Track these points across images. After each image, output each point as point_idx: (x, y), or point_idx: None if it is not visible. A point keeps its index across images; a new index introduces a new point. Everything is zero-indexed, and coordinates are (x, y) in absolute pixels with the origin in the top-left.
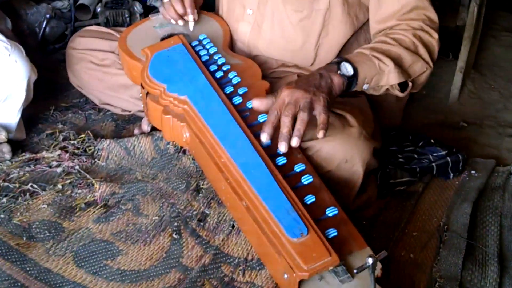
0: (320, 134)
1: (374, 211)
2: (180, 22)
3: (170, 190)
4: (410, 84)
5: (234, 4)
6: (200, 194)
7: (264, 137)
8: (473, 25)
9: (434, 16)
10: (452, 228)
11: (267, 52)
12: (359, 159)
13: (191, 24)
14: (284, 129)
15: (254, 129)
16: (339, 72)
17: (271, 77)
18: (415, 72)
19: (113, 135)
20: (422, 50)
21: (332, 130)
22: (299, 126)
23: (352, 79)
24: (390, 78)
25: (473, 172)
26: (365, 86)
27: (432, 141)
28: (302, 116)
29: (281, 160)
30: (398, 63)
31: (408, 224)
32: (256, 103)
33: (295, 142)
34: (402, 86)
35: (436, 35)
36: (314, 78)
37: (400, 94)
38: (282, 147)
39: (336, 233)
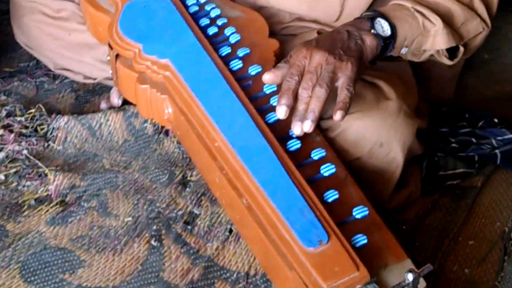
0: (337, 115)
1: (417, 212)
2: None
3: (148, 183)
4: (461, 48)
5: None
6: (187, 189)
7: (282, 112)
8: None
9: None
10: None
11: (278, 3)
12: (397, 143)
13: None
14: (302, 105)
15: (258, 103)
16: (372, 31)
17: (281, 34)
18: (468, 33)
19: (72, 110)
20: (479, 4)
21: (362, 104)
22: (314, 105)
23: (388, 41)
24: (436, 41)
25: None
26: (403, 50)
27: (495, 120)
28: (319, 93)
29: (294, 145)
30: (447, 21)
31: (462, 229)
32: (268, 77)
33: (308, 126)
34: (451, 51)
35: None
36: (340, 37)
37: (448, 62)
38: (297, 129)
39: (366, 241)
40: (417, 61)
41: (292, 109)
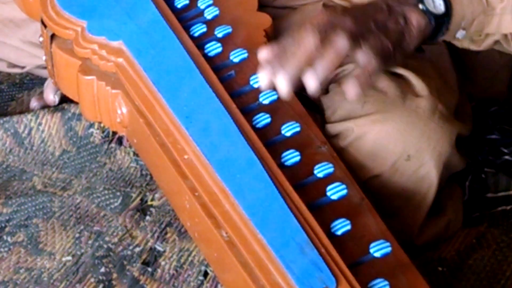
0: (349, 88)
1: (458, 249)
2: None
3: (94, 210)
4: None
5: None
6: (148, 217)
7: (263, 77)
8: None
9: None
10: None
11: None
12: (430, 155)
13: None
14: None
15: (242, 100)
16: (420, 6)
17: (274, 7)
18: None
19: None
20: None
21: (383, 102)
22: (328, 57)
23: (441, 20)
24: (504, 22)
25: None
26: (459, 34)
27: None
28: (339, 43)
29: (291, 157)
30: None
31: None
32: (265, 53)
33: (312, 83)
34: None
35: None
36: (376, 11)
37: None
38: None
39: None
40: (476, 49)
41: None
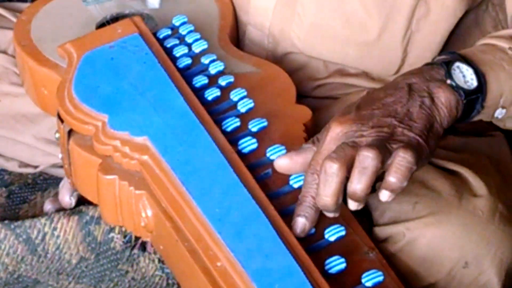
0: (383, 195)
1: None
2: None
3: None
4: None
5: None
6: None
7: (299, 226)
8: None
9: None
10: None
11: (309, 48)
12: (491, 261)
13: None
14: (326, 188)
15: (280, 201)
16: (449, 81)
17: (315, 97)
18: None
19: (3, 214)
20: None
21: (436, 203)
22: (356, 182)
23: (475, 96)
24: None
25: None
26: (498, 113)
27: None
28: (364, 160)
29: (337, 264)
30: None
31: None
32: (281, 163)
33: (353, 207)
34: None
35: None
36: (396, 97)
37: None
38: (299, 226)
39: None
40: None
41: None
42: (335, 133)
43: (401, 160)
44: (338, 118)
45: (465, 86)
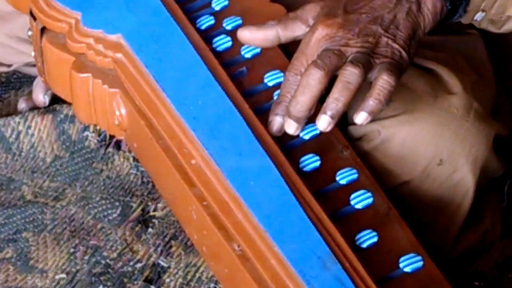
0: (360, 117)
1: (496, 261)
2: None
3: (91, 222)
4: None
5: None
6: (150, 230)
7: (275, 125)
8: None
9: None
10: None
11: None
12: (466, 158)
13: None
14: (305, 93)
15: (255, 99)
16: None
17: None
18: None
19: None
20: None
21: (411, 101)
22: (339, 94)
23: (459, 2)
24: None
25: None
26: (478, 16)
27: None
28: (350, 77)
29: (311, 162)
30: None
31: None
32: (241, 34)
33: (324, 123)
34: None
35: None
36: (383, 1)
37: None
38: (291, 128)
39: None
40: (496, 31)
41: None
42: (321, 36)
43: (384, 83)
44: (324, 20)
45: None
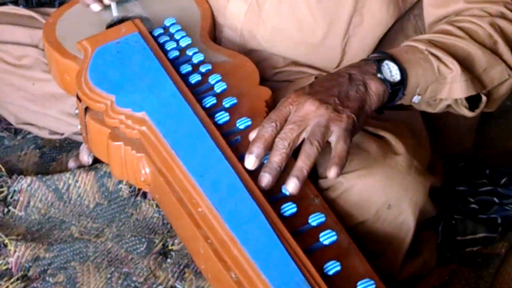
0: (331, 172)
1: (433, 285)
2: (95, 7)
3: (123, 254)
4: (484, 98)
5: None
6: (169, 260)
7: (250, 162)
8: None
9: None
10: None
11: (270, 45)
12: (408, 204)
13: (113, 7)
14: (275, 156)
15: None
16: (379, 75)
17: (274, 80)
18: (492, 81)
19: (36, 170)
20: (504, 48)
21: (366, 159)
22: (303, 163)
23: (397, 87)
24: (454, 89)
25: None
26: (415, 99)
27: None
28: (309, 150)
29: (289, 209)
30: (467, 66)
31: None
32: (251, 136)
33: (292, 186)
34: (472, 101)
35: None
36: (339, 82)
37: (469, 114)
38: (265, 180)
39: None
40: (432, 111)
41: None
42: (291, 99)
43: (342, 151)
44: (296, 90)
45: (391, 79)
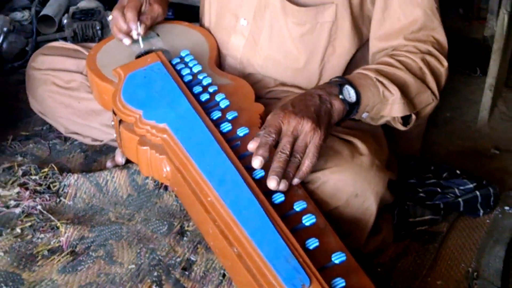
0: (280, 185)
1: (390, 256)
2: (126, 41)
3: (149, 233)
4: (413, 116)
5: (224, 13)
6: (185, 238)
7: (258, 162)
8: (504, 36)
9: (443, 39)
10: (483, 275)
11: (264, 70)
12: (371, 193)
13: (140, 41)
14: (278, 163)
15: (245, 161)
16: (340, 96)
17: (266, 98)
18: (420, 103)
19: (81, 168)
20: (430, 79)
21: (339, 159)
22: (292, 170)
23: (353, 106)
24: (393, 109)
25: (506, 208)
26: (364, 115)
27: (457, 172)
28: (295, 163)
29: (278, 198)
30: (403, 91)
31: (430, 271)
32: (252, 146)
33: (283, 186)
34: (405, 117)
35: (445, 63)
36: (313, 101)
37: (401, 128)
38: (273, 183)
39: (344, 284)
40: (374, 124)
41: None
42: (281, 116)
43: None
44: (281, 107)
45: (349, 100)
